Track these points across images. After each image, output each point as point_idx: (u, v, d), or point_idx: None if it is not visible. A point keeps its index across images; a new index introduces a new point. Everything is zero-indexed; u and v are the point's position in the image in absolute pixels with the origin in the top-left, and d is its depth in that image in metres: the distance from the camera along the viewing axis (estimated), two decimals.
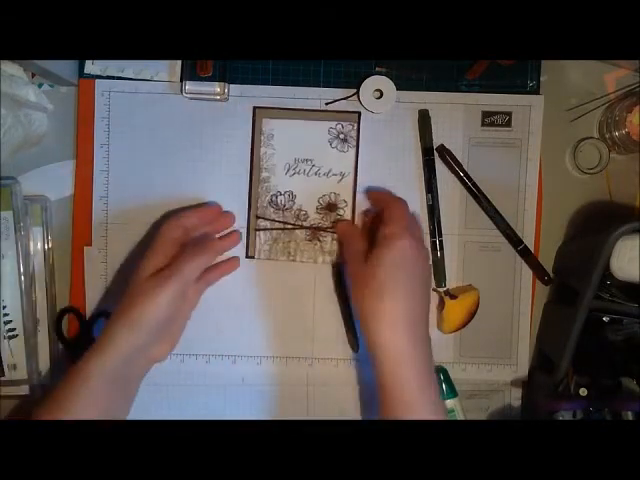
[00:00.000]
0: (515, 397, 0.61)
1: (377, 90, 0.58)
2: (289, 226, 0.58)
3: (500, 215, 0.59)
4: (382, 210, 0.53)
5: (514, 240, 0.59)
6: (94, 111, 0.59)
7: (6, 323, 0.56)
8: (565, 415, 0.52)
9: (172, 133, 0.59)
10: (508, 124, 0.59)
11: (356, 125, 0.58)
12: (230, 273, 0.58)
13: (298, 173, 0.59)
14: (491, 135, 0.59)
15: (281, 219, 0.58)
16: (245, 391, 0.60)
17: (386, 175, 0.59)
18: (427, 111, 0.59)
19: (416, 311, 0.49)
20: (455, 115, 0.59)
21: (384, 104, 0.58)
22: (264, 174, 0.59)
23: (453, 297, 0.57)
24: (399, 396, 0.47)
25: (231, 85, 0.58)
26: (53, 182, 0.59)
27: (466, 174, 0.58)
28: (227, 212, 0.59)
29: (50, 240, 0.59)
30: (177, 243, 0.53)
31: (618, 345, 0.53)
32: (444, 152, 0.58)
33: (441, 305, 0.58)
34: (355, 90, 0.58)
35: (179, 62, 0.58)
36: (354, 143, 0.58)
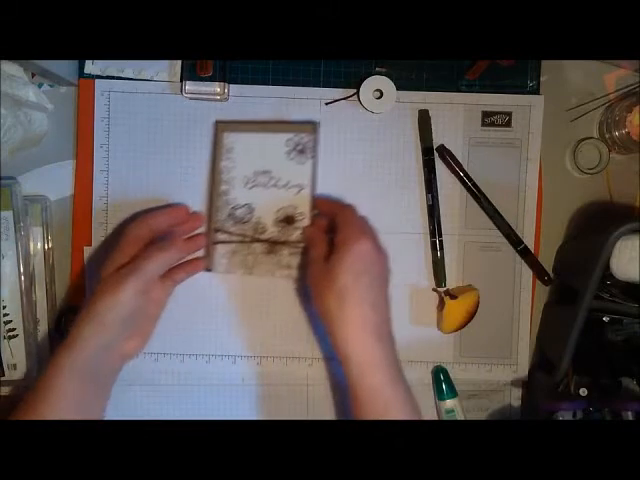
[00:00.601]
0: (515, 397, 0.61)
1: (377, 90, 0.58)
2: (247, 239, 0.58)
3: (500, 215, 0.59)
4: (334, 217, 0.54)
5: (514, 240, 0.59)
6: (94, 111, 0.59)
7: (6, 323, 0.56)
8: (565, 415, 0.52)
9: (172, 133, 0.59)
10: (508, 124, 0.59)
11: (314, 136, 0.58)
12: (197, 272, 0.58)
13: (257, 186, 0.58)
14: (491, 135, 0.59)
15: (239, 232, 0.58)
16: (245, 391, 0.60)
17: (385, 175, 0.59)
18: (427, 111, 0.59)
19: (380, 313, 0.50)
20: (455, 115, 0.59)
21: (384, 104, 0.58)
22: (223, 187, 0.58)
23: (453, 297, 0.57)
24: (373, 405, 0.47)
25: (231, 85, 0.58)
26: (53, 182, 0.59)
27: (466, 174, 0.59)
28: (196, 213, 0.58)
29: (50, 240, 0.59)
30: (142, 242, 0.53)
31: (618, 345, 0.53)
32: (444, 152, 0.58)
33: (441, 305, 0.58)
34: (355, 90, 0.58)
35: (179, 62, 0.58)
36: (312, 154, 0.58)
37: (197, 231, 0.58)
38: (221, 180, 0.58)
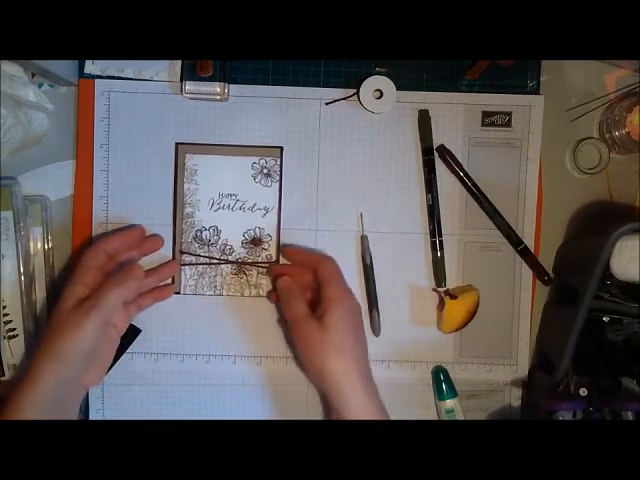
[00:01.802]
0: (515, 397, 0.61)
1: (377, 90, 0.58)
2: (214, 261, 0.58)
3: (500, 215, 0.59)
4: (315, 270, 0.54)
5: (514, 240, 0.59)
6: (94, 111, 0.59)
7: (6, 323, 0.56)
8: (565, 415, 0.52)
9: (172, 133, 0.59)
10: (508, 124, 0.59)
11: (279, 160, 0.58)
12: (164, 299, 0.58)
13: (222, 208, 0.59)
14: (491, 135, 0.59)
15: (206, 254, 0.59)
16: (245, 391, 0.60)
17: (385, 175, 0.59)
18: (427, 111, 0.59)
19: (367, 361, 0.53)
20: (455, 115, 0.59)
21: (384, 104, 0.58)
22: (188, 209, 0.59)
23: (453, 297, 0.57)
24: None
25: (231, 85, 0.58)
26: (53, 182, 0.59)
27: (466, 174, 0.59)
28: (154, 235, 0.58)
29: (50, 240, 0.59)
30: (100, 270, 0.52)
31: (618, 345, 0.53)
32: (444, 152, 0.58)
33: (441, 305, 0.58)
34: (355, 90, 0.58)
35: (179, 62, 0.58)
36: (277, 178, 0.59)
37: (158, 254, 0.58)
38: (185, 202, 0.58)
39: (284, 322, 0.56)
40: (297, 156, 0.59)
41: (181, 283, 0.59)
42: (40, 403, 0.47)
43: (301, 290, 0.55)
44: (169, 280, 0.59)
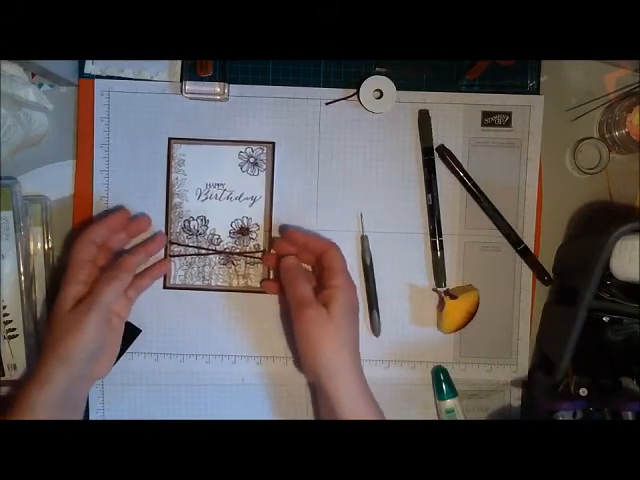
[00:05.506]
0: (515, 397, 0.61)
1: (377, 90, 0.58)
2: (203, 251, 0.59)
3: (500, 215, 0.59)
4: (320, 255, 0.54)
5: (514, 240, 0.59)
6: (94, 111, 0.59)
7: (6, 323, 0.56)
8: (565, 415, 0.52)
9: (172, 133, 0.59)
10: (508, 124, 0.59)
11: (266, 149, 0.58)
12: (162, 275, 0.58)
13: (210, 198, 0.59)
14: (491, 135, 0.59)
15: (195, 244, 0.59)
16: (245, 391, 0.60)
17: (385, 175, 0.59)
18: (427, 111, 0.59)
19: (359, 353, 0.53)
20: (455, 115, 0.59)
21: (384, 104, 0.58)
22: (176, 200, 0.59)
23: (453, 297, 0.57)
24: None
25: (231, 85, 0.58)
26: (53, 182, 0.59)
27: (466, 174, 0.59)
28: (140, 215, 0.58)
29: (50, 240, 0.59)
30: (93, 264, 0.52)
31: (618, 345, 0.53)
32: (444, 152, 0.58)
33: (441, 305, 0.58)
34: (355, 90, 0.58)
35: (179, 62, 0.58)
36: (264, 167, 0.59)
37: (147, 234, 0.58)
38: (173, 193, 0.58)
39: (285, 301, 0.55)
40: (297, 156, 0.59)
41: (171, 274, 0.59)
42: (50, 401, 0.48)
43: (308, 276, 0.54)
44: (161, 254, 0.58)
